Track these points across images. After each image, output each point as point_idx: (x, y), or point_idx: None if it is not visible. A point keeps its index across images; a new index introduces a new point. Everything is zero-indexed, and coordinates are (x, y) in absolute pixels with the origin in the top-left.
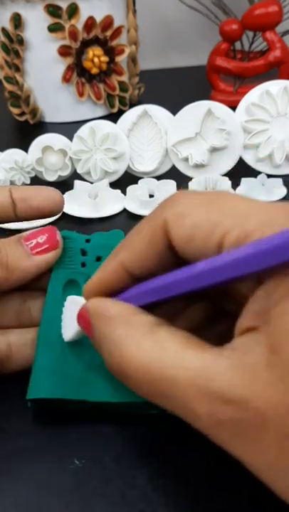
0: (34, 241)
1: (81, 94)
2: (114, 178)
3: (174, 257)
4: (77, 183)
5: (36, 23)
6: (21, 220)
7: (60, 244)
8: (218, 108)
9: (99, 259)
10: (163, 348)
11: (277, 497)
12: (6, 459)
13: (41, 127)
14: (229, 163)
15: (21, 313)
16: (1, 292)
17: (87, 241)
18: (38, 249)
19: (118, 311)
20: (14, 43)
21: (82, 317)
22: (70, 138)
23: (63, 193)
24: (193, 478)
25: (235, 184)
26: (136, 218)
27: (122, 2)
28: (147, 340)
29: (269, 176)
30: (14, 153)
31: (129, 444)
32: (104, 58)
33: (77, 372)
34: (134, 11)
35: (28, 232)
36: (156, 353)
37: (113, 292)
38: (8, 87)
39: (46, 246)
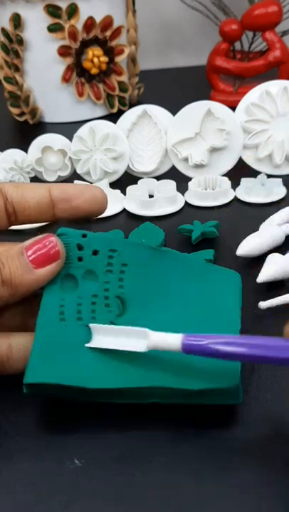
0: (36, 250)
1: (81, 95)
2: (114, 178)
3: None
4: (76, 183)
5: (36, 23)
6: (60, 220)
7: (63, 253)
8: (218, 108)
9: (95, 252)
10: None
11: None
12: (6, 459)
13: (41, 127)
14: (229, 164)
15: (26, 317)
16: (3, 306)
17: (84, 236)
18: (41, 260)
19: None
20: (14, 43)
21: None
22: (70, 138)
23: None
24: (193, 478)
25: (235, 184)
26: (136, 218)
27: (122, 2)
28: None
29: (269, 176)
30: (14, 154)
31: (129, 443)
32: (104, 58)
33: (76, 358)
34: (134, 11)
35: (29, 242)
36: None
37: None
38: (8, 87)
39: (49, 256)
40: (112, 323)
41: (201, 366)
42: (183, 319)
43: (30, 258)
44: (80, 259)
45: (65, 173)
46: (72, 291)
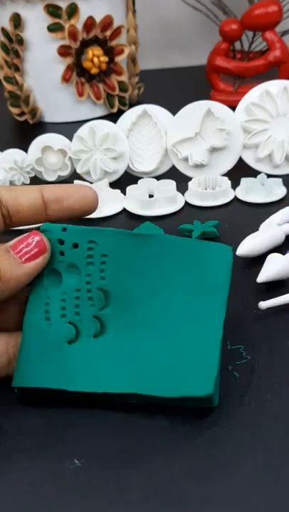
0: (22, 248)
1: (81, 94)
2: (114, 178)
3: None
4: (76, 183)
5: (36, 23)
6: (52, 221)
7: (48, 247)
8: (218, 108)
9: (76, 245)
10: None
11: None
12: (6, 459)
13: (41, 127)
14: (229, 163)
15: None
16: None
17: (64, 230)
18: (28, 256)
19: None
20: (14, 43)
21: None
22: (70, 138)
23: None
24: (193, 478)
25: (235, 184)
26: (136, 218)
27: (122, 2)
28: None
29: (269, 175)
30: (14, 153)
31: (129, 443)
32: (104, 58)
33: (58, 359)
34: (134, 11)
35: (14, 241)
36: None
37: None
38: (8, 87)
39: (35, 251)
40: (95, 317)
41: (176, 372)
42: (169, 305)
43: (18, 255)
44: (62, 253)
45: (65, 172)
46: (57, 286)
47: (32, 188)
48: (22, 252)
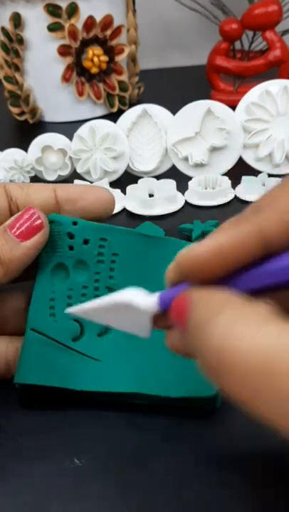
0: (19, 226)
1: (81, 94)
2: (114, 177)
3: None
4: (77, 182)
5: (36, 22)
6: None
7: (46, 223)
8: (218, 107)
9: (86, 241)
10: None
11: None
12: (6, 459)
13: (41, 127)
14: (229, 163)
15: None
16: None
17: (74, 224)
18: (25, 233)
19: (227, 295)
20: (14, 43)
21: (178, 305)
22: (70, 137)
23: None
24: (193, 477)
25: (235, 183)
26: (136, 218)
27: (122, 2)
28: (270, 327)
29: (269, 175)
30: (14, 153)
31: (129, 443)
32: (104, 58)
33: (63, 358)
34: (134, 11)
35: (10, 220)
36: (283, 341)
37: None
38: (8, 86)
39: (32, 227)
40: None
41: (180, 373)
42: None
43: (16, 234)
44: (71, 248)
45: (65, 172)
46: (63, 281)
47: (45, 186)
48: (19, 231)
